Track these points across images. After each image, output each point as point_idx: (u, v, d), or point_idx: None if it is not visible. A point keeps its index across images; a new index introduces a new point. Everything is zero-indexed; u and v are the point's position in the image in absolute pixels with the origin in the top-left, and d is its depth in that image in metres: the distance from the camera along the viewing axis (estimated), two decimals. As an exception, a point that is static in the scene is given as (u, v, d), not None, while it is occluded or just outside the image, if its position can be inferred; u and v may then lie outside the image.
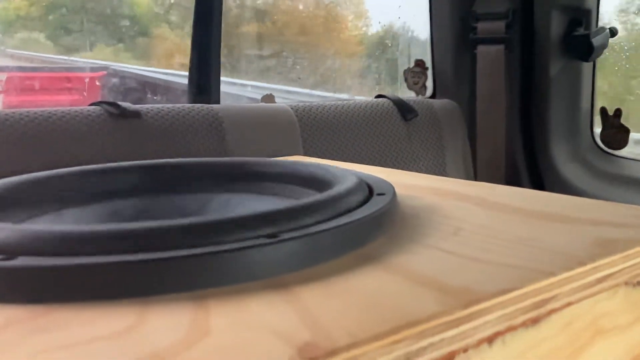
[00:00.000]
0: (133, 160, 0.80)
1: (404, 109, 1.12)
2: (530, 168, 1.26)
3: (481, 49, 1.22)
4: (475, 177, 1.23)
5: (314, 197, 0.39)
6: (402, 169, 1.09)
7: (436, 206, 0.47)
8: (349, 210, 0.38)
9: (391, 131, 1.09)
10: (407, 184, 0.57)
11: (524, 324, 0.29)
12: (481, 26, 1.22)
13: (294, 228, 0.33)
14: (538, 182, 1.24)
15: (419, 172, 1.12)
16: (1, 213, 0.40)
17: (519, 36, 1.22)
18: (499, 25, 1.20)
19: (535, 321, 0.29)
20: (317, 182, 0.48)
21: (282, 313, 0.26)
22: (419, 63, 1.28)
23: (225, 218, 0.33)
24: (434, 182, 0.58)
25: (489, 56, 1.22)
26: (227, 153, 0.87)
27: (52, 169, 0.53)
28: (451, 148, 1.17)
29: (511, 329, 0.28)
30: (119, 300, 0.28)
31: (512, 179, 1.24)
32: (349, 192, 0.40)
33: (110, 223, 0.41)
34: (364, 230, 0.36)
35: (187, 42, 1.01)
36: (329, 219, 0.36)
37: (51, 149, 0.74)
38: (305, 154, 0.95)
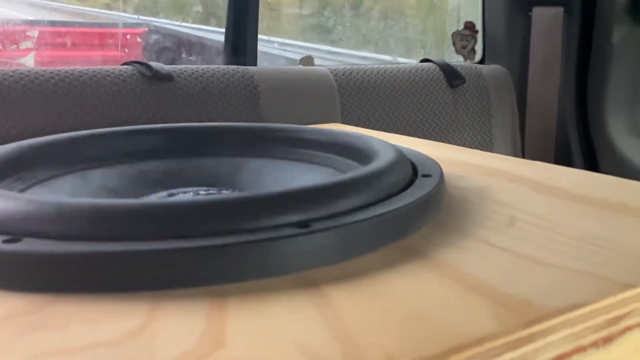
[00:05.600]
0: (165, 122, 0.78)
1: (450, 74, 1.05)
2: (584, 142, 1.17)
3: (537, 11, 1.12)
4: (523, 150, 1.15)
5: (350, 176, 0.34)
6: (446, 139, 1.03)
7: (487, 189, 0.42)
8: (390, 195, 0.33)
9: (436, 98, 1.02)
10: (454, 160, 0.52)
11: (595, 344, 0.24)
12: (539, -14, 1.12)
13: (327, 216, 0.29)
14: (591, 157, 1.16)
15: (464, 142, 1.07)
16: (26, 172, 0.39)
17: (581, -3, 1.12)
18: (559, -15, 1.11)
19: (607, 341, 0.25)
20: (356, 152, 0.44)
21: (310, 320, 0.23)
22: (469, 25, 1.20)
23: (250, 197, 0.29)
24: (484, 160, 0.53)
25: (545, 19, 1.13)
26: (261, 118, 0.83)
27: (81, 129, 0.51)
28: (499, 118, 1.10)
29: (579, 350, 0.24)
30: (128, 293, 0.25)
31: (563, 153, 1.16)
32: (390, 173, 0.36)
33: (121, 198, 0.39)
34: (407, 220, 0.32)
35: None
36: (367, 205, 0.31)
37: (81, 109, 0.71)
38: (344, 122, 0.90)
